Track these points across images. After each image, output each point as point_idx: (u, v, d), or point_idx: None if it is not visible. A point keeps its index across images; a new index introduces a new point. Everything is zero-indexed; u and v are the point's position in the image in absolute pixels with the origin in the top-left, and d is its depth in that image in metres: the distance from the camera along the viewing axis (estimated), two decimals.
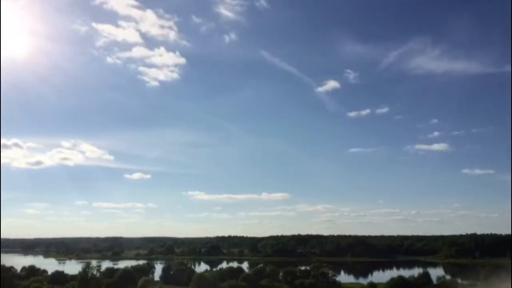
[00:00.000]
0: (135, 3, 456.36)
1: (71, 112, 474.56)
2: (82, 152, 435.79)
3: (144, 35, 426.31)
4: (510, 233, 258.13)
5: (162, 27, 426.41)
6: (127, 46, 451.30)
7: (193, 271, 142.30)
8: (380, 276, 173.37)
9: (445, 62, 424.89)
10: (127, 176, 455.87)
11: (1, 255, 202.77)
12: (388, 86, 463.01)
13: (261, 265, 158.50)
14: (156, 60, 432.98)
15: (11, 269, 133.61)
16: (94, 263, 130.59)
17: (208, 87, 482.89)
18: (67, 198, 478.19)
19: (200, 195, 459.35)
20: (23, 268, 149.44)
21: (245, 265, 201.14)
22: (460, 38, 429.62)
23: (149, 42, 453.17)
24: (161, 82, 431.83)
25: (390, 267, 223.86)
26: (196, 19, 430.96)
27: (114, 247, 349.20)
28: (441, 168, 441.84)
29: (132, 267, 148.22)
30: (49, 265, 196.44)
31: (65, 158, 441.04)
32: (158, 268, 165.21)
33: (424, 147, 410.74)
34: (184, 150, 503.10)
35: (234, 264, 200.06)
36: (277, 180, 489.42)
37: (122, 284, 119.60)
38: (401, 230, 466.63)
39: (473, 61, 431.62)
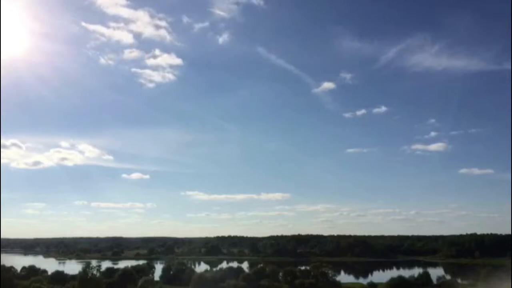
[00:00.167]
0: (131, 3, 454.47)
1: (69, 112, 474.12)
2: (80, 152, 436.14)
3: (139, 36, 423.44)
4: (510, 233, 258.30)
5: (157, 27, 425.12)
6: (123, 46, 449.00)
7: (193, 271, 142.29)
8: (380, 276, 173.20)
9: (444, 59, 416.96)
10: (126, 176, 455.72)
11: (1, 255, 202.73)
12: (386, 84, 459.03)
13: (261, 265, 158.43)
14: (152, 60, 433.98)
15: (11, 269, 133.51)
16: (94, 263, 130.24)
17: (205, 86, 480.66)
18: (66, 198, 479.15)
19: (199, 195, 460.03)
20: (23, 268, 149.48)
21: (245, 265, 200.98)
22: (460, 34, 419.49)
23: (145, 42, 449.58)
24: (158, 82, 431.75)
25: (390, 267, 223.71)
26: (190, 18, 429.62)
27: (114, 247, 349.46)
28: (440, 168, 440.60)
29: (132, 267, 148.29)
30: (49, 265, 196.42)
31: (63, 158, 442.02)
32: (158, 268, 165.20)
33: (424, 146, 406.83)
34: (183, 149, 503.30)
35: (234, 264, 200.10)
36: (277, 180, 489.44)
37: (122, 284, 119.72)
38: (401, 230, 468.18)
39: (473, 58, 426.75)
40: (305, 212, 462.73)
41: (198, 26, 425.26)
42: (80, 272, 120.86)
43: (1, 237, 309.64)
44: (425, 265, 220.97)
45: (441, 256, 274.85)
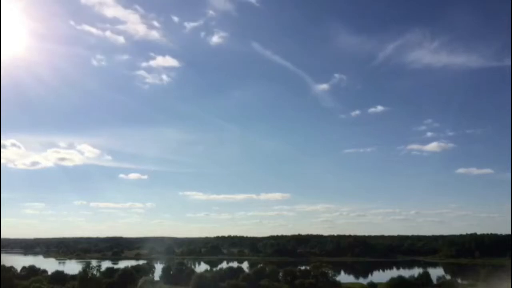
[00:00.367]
0: (129, 4, 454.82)
1: (68, 112, 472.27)
2: (79, 151, 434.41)
3: (138, 37, 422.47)
4: (510, 233, 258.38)
5: (155, 27, 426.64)
6: (122, 47, 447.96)
7: (193, 271, 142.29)
8: (380, 276, 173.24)
9: (444, 55, 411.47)
10: (125, 176, 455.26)
11: (1, 255, 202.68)
12: (385, 82, 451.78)
13: (261, 265, 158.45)
14: (150, 60, 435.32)
15: (11, 269, 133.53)
16: (94, 263, 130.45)
17: (203, 86, 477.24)
18: (65, 198, 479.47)
19: (199, 195, 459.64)
20: (23, 268, 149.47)
21: (245, 265, 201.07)
22: (460, 30, 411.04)
23: (143, 43, 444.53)
24: (157, 82, 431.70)
25: (390, 267, 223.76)
26: (185, 17, 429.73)
27: (114, 247, 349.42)
28: (440, 168, 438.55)
29: (132, 267, 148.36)
30: (49, 265, 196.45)
31: (62, 158, 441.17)
32: (158, 268, 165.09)
33: (424, 146, 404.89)
34: (183, 149, 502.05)
35: (234, 264, 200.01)
36: (277, 180, 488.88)
37: (122, 284, 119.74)
38: (401, 230, 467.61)
39: (473, 54, 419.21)
40: (305, 212, 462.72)
41: (193, 25, 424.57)
42: (80, 272, 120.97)
43: (1, 237, 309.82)
44: (425, 265, 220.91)
45: (441, 256, 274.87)
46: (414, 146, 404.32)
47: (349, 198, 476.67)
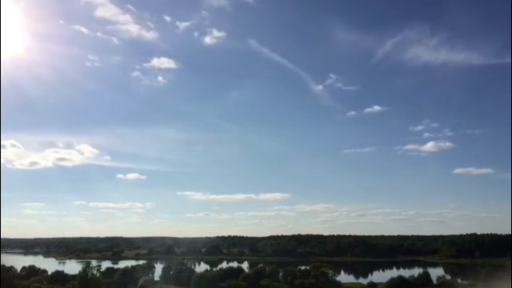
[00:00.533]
0: (125, 5, 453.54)
1: (67, 112, 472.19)
2: (78, 151, 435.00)
3: (136, 37, 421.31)
4: (510, 233, 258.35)
5: (152, 28, 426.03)
6: (121, 47, 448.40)
7: (193, 271, 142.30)
8: (380, 276, 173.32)
9: (443, 52, 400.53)
10: (124, 175, 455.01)
11: (1, 255, 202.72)
12: (384, 81, 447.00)
13: (261, 265, 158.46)
14: (148, 60, 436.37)
15: (11, 269, 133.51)
16: (94, 263, 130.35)
17: (201, 85, 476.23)
18: (64, 198, 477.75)
19: (199, 195, 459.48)
20: (23, 268, 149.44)
21: (245, 265, 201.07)
22: (460, 26, 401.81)
23: (141, 43, 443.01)
24: (156, 82, 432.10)
25: (390, 267, 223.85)
26: (180, 16, 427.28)
27: (114, 247, 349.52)
28: (440, 168, 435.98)
29: (132, 267, 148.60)
30: (49, 265, 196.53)
31: (61, 158, 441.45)
32: (158, 268, 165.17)
33: (424, 146, 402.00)
34: (182, 149, 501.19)
35: (234, 264, 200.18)
36: (277, 180, 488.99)
37: (122, 284, 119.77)
38: (401, 230, 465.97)
39: (474, 51, 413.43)
40: (304, 212, 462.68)
41: (189, 23, 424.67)
42: (80, 272, 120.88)
43: (1, 237, 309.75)
44: (425, 265, 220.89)
45: (441, 256, 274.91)
46: (414, 146, 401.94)
47: (349, 198, 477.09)
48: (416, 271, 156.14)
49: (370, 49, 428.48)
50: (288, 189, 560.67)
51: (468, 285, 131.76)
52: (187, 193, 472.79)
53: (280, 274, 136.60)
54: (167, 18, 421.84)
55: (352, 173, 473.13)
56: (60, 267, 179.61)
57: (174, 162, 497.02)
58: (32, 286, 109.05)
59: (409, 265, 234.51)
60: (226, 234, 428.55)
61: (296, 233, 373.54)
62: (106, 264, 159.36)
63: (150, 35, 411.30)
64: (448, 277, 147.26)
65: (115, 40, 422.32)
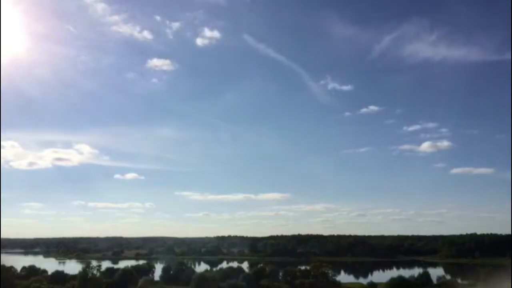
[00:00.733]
0: (123, 6, 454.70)
1: (67, 112, 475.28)
2: (77, 151, 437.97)
3: (134, 37, 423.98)
4: (510, 233, 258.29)
5: (149, 28, 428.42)
6: (120, 47, 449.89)
7: (193, 271, 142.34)
8: (380, 276, 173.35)
9: (443, 48, 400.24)
10: (123, 175, 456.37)
11: (1, 255, 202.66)
12: (383, 79, 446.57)
13: (261, 265, 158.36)
14: (146, 61, 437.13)
15: (11, 269, 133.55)
16: (94, 263, 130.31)
17: (198, 85, 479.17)
18: (63, 198, 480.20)
19: (196, 196, 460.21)
20: (23, 268, 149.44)
21: (245, 265, 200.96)
22: (460, 21, 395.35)
23: (139, 43, 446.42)
24: (154, 82, 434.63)
25: (390, 267, 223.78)
26: (175, 16, 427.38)
27: (114, 247, 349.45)
28: (440, 168, 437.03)
29: (132, 267, 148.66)
30: (49, 265, 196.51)
31: (59, 158, 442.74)
32: (158, 268, 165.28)
33: (424, 146, 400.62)
34: (182, 149, 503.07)
35: (234, 264, 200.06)
36: (277, 180, 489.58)
37: (122, 284, 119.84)
38: (401, 230, 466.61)
39: (474, 47, 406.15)
40: (305, 212, 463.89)
41: (185, 23, 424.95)
42: (80, 272, 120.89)
43: (1, 237, 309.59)
44: (425, 265, 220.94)
45: (441, 256, 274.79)
46: (414, 146, 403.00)
47: (349, 198, 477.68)
48: (416, 271, 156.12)
49: (368, 45, 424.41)
50: (287, 189, 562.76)
51: (468, 285, 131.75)
52: (187, 193, 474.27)
53: (280, 274, 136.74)
54: (165, 18, 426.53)
55: (352, 173, 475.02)
56: (60, 267, 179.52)
57: (172, 162, 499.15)
58: (32, 286, 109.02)
59: (409, 265, 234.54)
60: (226, 234, 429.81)
61: (296, 233, 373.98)
62: (106, 264, 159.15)
63: (148, 35, 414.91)
64: (448, 277, 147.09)
65: (114, 40, 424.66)
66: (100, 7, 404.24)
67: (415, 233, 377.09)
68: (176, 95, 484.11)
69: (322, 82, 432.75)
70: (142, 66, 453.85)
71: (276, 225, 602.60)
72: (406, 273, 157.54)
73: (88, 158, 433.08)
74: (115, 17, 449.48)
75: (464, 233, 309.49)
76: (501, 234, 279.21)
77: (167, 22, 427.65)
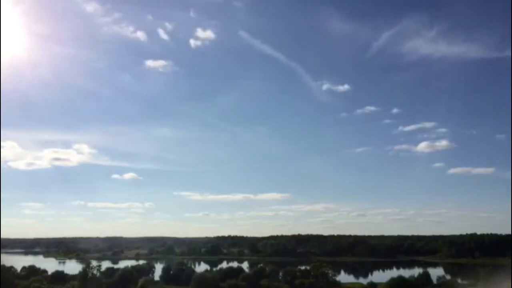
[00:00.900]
0: (122, 6, 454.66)
1: (66, 112, 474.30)
2: (76, 151, 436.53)
3: (133, 37, 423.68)
4: (510, 233, 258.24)
5: (148, 29, 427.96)
6: (119, 47, 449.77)
7: (193, 271, 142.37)
8: (380, 276, 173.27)
9: (442, 45, 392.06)
10: (123, 175, 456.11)
11: (1, 255, 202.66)
12: (381, 78, 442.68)
13: (261, 265, 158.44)
14: (145, 61, 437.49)
15: (11, 269, 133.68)
16: (94, 263, 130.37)
17: (197, 85, 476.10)
18: (63, 198, 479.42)
19: (198, 195, 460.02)
20: (23, 268, 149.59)
21: (245, 265, 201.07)
22: (460, 16, 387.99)
23: (139, 44, 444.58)
24: (154, 82, 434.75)
25: (390, 267, 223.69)
26: (171, 15, 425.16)
27: (114, 247, 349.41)
28: (440, 167, 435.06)
29: (132, 267, 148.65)
30: (49, 265, 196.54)
31: (59, 158, 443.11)
32: (158, 268, 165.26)
33: (424, 145, 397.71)
34: (182, 149, 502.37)
35: (234, 264, 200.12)
36: (277, 180, 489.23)
37: (122, 284, 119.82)
38: (401, 230, 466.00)
39: (474, 43, 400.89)
40: (304, 212, 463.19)
41: (182, 22, 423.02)
42: (80, 272, 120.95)
43: (1, 237, 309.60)
44: (425, 265, 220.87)
45: (441, 256, 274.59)
46: (414, 146, 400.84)
47: (349, 198, 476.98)
48: (416, 271, 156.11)
49: (366, 41, 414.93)
50: (287, 189, 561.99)
51: (468, 285, 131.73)
52: (185, 193, 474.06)
53: (280, 274, 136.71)
54: (165, 18, 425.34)
55: (352, 173, 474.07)
56: (60, 267, 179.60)
57: (172, 162, 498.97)
58: (32, 286, 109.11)
59: (409, 265, 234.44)
60: (226, 234, 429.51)
61: (296, 233, 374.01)
62: (106, 264, 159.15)
63: (147, 36, 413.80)
64: (448, 277, 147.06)
65: (113, 41, 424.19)
66: (92, 6, 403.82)
67: (415, 233, 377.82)
68: (175, 95, 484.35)
69: (320, 81, 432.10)
70: (142, 67, 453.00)
71: (276, 225, 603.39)
72: (406, 273, 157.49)
73: (88, 158, 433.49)
74: (114, 17, 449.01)
75: (464, 233, 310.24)
76: (501, 234, 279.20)
77: (166, 23, 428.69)
